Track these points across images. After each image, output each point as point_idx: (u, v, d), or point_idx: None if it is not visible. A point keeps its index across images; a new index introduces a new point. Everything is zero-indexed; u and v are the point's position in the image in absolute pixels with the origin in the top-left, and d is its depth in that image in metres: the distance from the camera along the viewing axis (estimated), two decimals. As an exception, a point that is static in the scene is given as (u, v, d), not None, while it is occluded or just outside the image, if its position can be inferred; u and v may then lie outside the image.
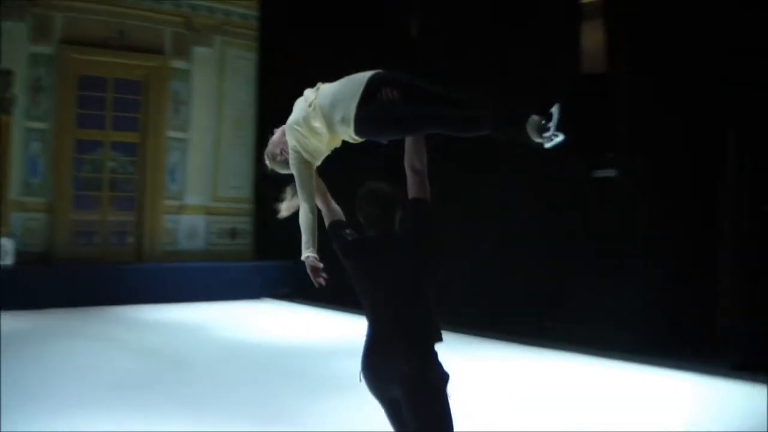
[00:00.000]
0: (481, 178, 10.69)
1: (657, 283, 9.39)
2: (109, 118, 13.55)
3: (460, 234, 10.24)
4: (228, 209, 14.83)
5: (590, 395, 7.41)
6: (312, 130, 3.47)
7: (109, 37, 13.36)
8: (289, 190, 3.72)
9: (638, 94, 9.80)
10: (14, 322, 10.01)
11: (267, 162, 3.74)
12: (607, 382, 8.03)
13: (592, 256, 10.18)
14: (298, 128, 3.50)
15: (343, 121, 3.35)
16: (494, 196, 10.73)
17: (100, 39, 13.27)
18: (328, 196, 3.67)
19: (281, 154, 3.63)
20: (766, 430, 6.29)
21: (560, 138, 3.02)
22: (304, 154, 3.51)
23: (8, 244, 12.23)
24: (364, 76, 3.37)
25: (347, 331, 11.09)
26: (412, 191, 3.44)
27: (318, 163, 3.58)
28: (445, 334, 3.37)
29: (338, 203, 3.68)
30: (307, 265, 3.41)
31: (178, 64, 14.20)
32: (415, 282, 3.34)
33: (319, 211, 3.60)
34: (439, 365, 3.29)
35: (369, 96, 3.30)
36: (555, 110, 3.03)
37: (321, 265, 3.40)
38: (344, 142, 3.56)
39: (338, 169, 4.34)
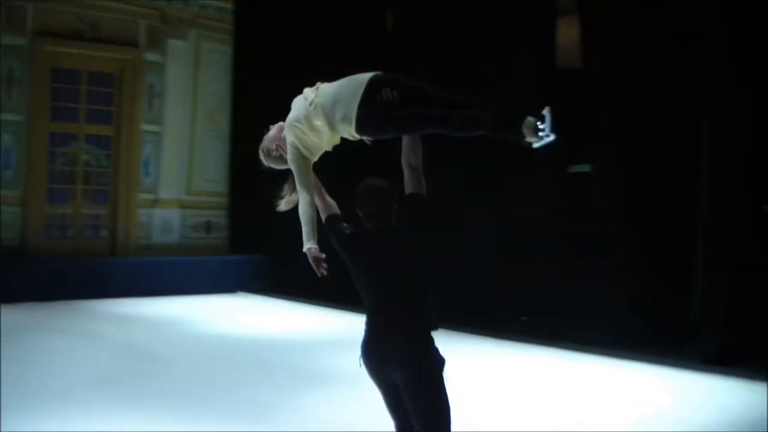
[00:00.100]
0: (454, 174, 10.72)
1: (631, 278, 9.54)
2: (82, 111, 13.43)
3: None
4: (203, 203, 14.74)
5: (565, 390, 7.53)
6: (312, 127, 3.58)
7: (82, 29, 13.23)
8: (287, 186, 3.82)
9: (613, 90, 9.94)
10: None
11: (261, 157, 3.83)
12: (582, 377, 8.18)
13: (565, 250, 10.32)
14: (299, 125, 3.60)
15: (344, 119, 3.47)
16: (467, 192, 10.81)
17: (73, 31, 13.12)
18: (323, 191, 3.79)
19: (276, 149, 3.73)
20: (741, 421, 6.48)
21: (551, 138, 3.16)
22: (303, 150, 3.62)
23: (-20, 237, 12.11)
24: (365, 77, 3.50)
25: (324, 325, 11.18)
26: (409, 187, 3.61)
27: (315, 159, 3.68)
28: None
29: (336, 201, 3.79)
30: (309, 257, 3.50)
31: (153, 56, 14.08)
32: (412, 272, 3.51)
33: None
34: (436, 350, 3.45)
35: (369, 96, 3.42)
36: (547, 112, 3.18)
37: (323, 255, 3.50)
38: (344, 139, 3.66)
39: (335, 166, 4.42)
